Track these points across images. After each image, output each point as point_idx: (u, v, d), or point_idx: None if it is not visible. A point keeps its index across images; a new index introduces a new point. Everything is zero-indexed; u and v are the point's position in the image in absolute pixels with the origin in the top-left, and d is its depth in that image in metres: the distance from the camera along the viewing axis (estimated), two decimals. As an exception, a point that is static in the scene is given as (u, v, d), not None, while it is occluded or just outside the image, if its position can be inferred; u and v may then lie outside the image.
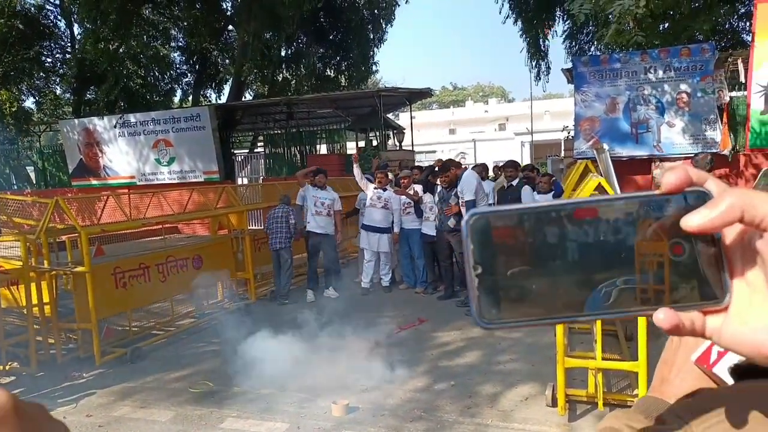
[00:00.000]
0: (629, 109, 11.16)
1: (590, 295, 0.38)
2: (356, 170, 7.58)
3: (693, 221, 0.36)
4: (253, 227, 9.47)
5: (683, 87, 10.80)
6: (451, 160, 6.94)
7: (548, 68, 16.94)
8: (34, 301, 5.59)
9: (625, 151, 11.14)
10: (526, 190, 6.30)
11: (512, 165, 6.70)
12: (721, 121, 10.61)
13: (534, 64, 16.81)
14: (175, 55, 20.63)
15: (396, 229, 7.42)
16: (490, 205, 6.94)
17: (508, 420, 3.83)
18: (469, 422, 3.84)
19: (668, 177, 0.37)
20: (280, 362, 5.23)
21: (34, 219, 7.59)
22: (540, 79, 16.85)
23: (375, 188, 7.45)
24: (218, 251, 7.13)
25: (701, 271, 0.37)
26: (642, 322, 3.58)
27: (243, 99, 18.21)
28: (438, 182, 6.91)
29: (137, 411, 4.33)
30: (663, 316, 0.37)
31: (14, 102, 17.59)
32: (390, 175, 7.97)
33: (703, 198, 0.37)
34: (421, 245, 7.32)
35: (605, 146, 7.42)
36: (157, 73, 19.58)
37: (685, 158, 9.75)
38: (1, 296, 5.82)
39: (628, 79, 11.14)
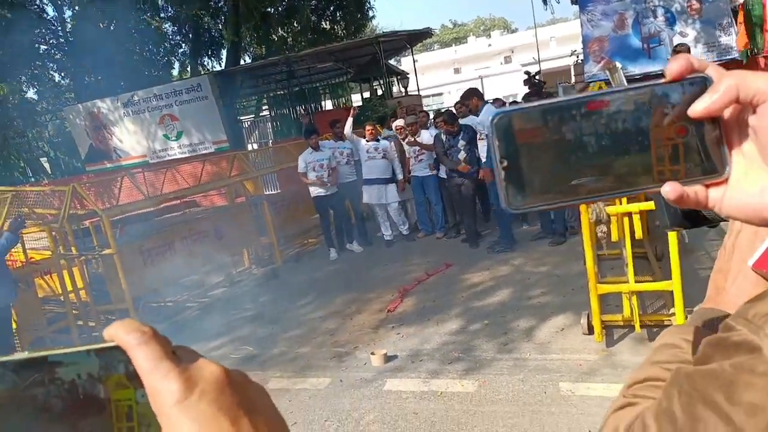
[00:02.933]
0: (638, 23, 10.68)
1: (609, 179, 0.42)
2: (348, 123, 7.43)
3: (698, 107, 0.40)
4: (269, 192, 9.48)
5: (693, -8, 10.28)
6: (473, 88, 6.71)
7: (555, -11, 16.19)
8: (69, 287, 5.72)
9: (638, 68, 10.74)
10: None
11: (536, 95, 6.53)
12: (736, 23, 10.13)
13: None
14: (167, 26, 20.20)
15: (399, 177, 7.34)
16: None
17: (546, 351, 3.87)
18: (507, 358, 3.88)
19: (672, 65, 0.41)
20: (314, 320, 5.33)
21: (55, 208, 7.68)
22: (547, 3, 16.17)
23: (367, 140, 7.30)
24: (238, 219, 7.17)
25: (703, 149, 0.41)
26: (673, 240, 3.53)
27: (241, 63, 17.89)
28: (441, 128, 6.78)
29: (184, 381, 4.46)
30: (669, 188, 0.41)
31: (16, 94, 17.54)
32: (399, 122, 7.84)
33: (704, 82, 0.41)
34: (437, 191, 7.24)
35: (618, 64, 7.15)
36: (151, 47, 19.25)
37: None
38: (38, 286, 5.96)
39: (634, -9, 10.62)
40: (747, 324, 0.45)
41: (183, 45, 20.51)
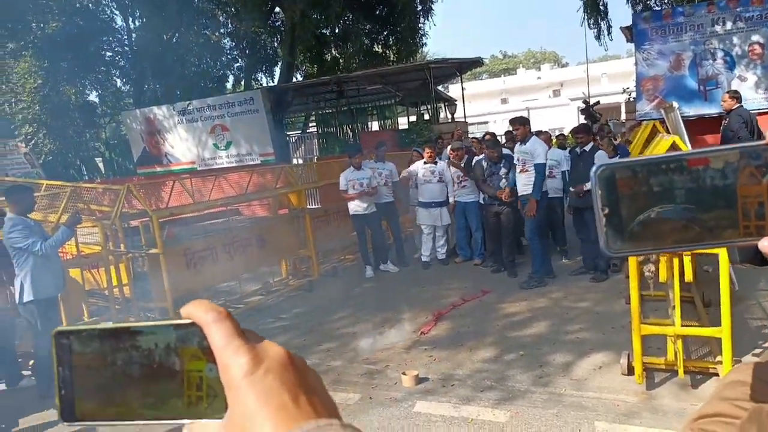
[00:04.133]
0: (696, 65, 10.50)
1: (699, 230, 0.46)
2: (412, 167, 7.58)
3: None
4: (311, 206, 9.61)
5: (755, 38, 10.05)
6: (522, 117, 6.66)
7: (609, 27, 16.11)
8: (114, 282, 5.91)
9: (693, 110, 10.52)
10: (600, 154, 6.00)
11: (583, 130, 6.34)
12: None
13: (592, 22, 16.05)
14: (226, 41, 20.99)
15: (451, 200, 7.36)
16: (563, 172, 6.72)
17: (583, 389, 3.77)
18: (542, 391, 3.80)
19: None
20: (346, 335, 5.34)
21: (106, 206, 8.00)
22: (601, 39, 16.09)
23: (425, 163, 7.38)
24: (280, 230, 7.29)
25: None
26: (725, 286, 3.41)
27: (293, 80, 18.37)
28: (484, 154, 6.78)
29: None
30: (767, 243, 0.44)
31: (79, 97, 18.44)
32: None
33: None
34: (478, 217, 7.23)
35: (675, 104, 7.03)
36: (209, 60, 20.00)
37: (760, 113, 9.13)
38: (85, 279, 6.19)
39: (693, 33, 10.46)
40: None
41: (239, 60, 21.26)
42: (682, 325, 3.52)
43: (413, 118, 14.97)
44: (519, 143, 6.27)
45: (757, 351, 4.00)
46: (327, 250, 8.65)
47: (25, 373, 5.02)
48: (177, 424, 0.42)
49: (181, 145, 15.72)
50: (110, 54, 19.46)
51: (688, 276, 3.61)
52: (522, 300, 5.77)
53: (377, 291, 6.76)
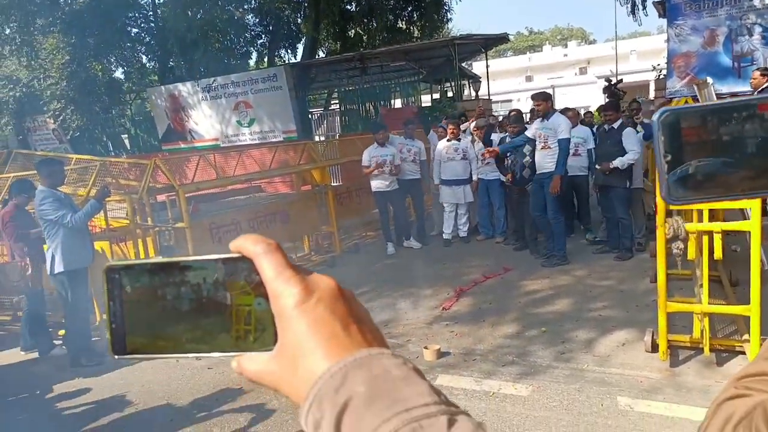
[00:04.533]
0: (730, 40, 10.13)
1: (765, 178, 0.45)
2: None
3: None
4: (333, 183, 9.63)
5: (796, 12, 9.66)
6: (544, 92, 6.52)
7: (644, 1, 15.51)
8: (142, 255, 6.04)
9: (726, 87, 10.18)
10: (628, 131, 5.85)
11: (612, 107, 6.19)
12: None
13: (624, -2, 15.53)
14: (249, 17, 20.91)
15: (474, 177, 7.30)
16: (589, 150, 6.57)
17: (606, 365, 3.75)
18: (564, 367, 3.80)
19: None
20: (369, 310, 5.38)
21: (133, 180, 8.13)
22: (635, 14, 15.56)
23: (448, 140, 7.32)
24: (303, 206, 7.34)
25: None
26: (755, 263, 3.34)
27: (316, 57, 18.28)
28: (507, 130, 6.70)
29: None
30: None
31: (106, 73, 18.64)
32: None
33: None
34: (501, 195, 7.17)
35: (709, 80, 6.82)
36: (233, 36, 19.98)
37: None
38: (114, 252, 6.33)
39: (729, 7, 10.07)
40: None
41: (262, 36, 21.17)
42: (709, 303, 3.46)
43: (437, 96, 14.81)
44: (541, 119, 6.12)
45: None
46: (349, 227, 8.69)
47: (56, 342, 5.19)
48: (225, 356, 0.43)
49: (205, 121, 15.84)
50: (136, 30, 19.57)
51: (718, 254, 3.55)
52: (544, 278, 5.74)
53: (398, 267, 6.79)
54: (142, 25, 19.45)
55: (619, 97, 8.84)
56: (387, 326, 4.91)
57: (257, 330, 0.42)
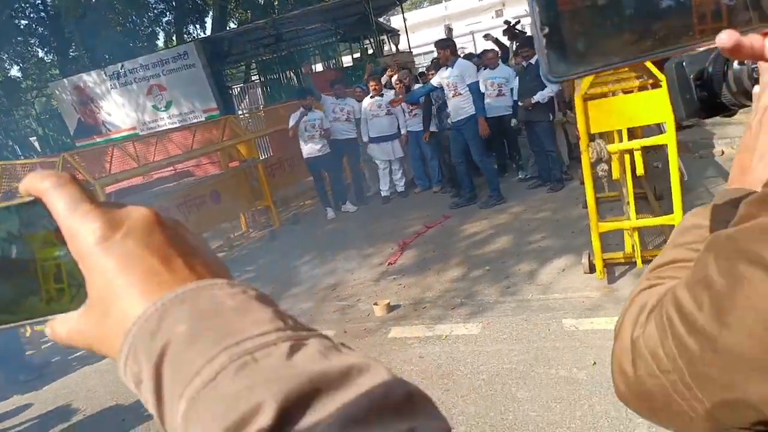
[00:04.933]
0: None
1: (651, 39, 0.40)
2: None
3: None
4: (263, 156, 9.35)
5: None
6: (443, 39, 6.49)
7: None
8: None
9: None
10: None
11: (528, 44, 6.22)
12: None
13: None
14: (149, -5, 19.66)
15: (403, 131, 7.24)
16: (512, 89, 6.60)
17: (549, 292, 3.87)
18: (510, 300, 3.89)
19: None
20: (315, 276, 5.33)
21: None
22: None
23: (371, 96, 7.19)
24: (233, 184, 7.09)
25: None
26: (674, 175, 3.48)
27: (227, 29, 17.48)
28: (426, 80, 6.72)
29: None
30: (725, 36, 0.38)
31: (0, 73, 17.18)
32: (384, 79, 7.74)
33: None
34: (432, 145, 7.14)
35: None
36: (134, 17, 18.78)
37: None
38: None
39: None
40: None
41: (167, 14, 20.01)
42: (636, 218, 3.60)
43: (357, 55, 14.54)
44: (444, 67, 6.11)
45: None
46: (285, 198, 8.52)
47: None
48: (38, 322, 0.36)
49: (119, 111, 14.94)
50: (25, 22, 18.05)
51: (640, 170, 3.67)
52: (483, 219, 5.83)
53: (340, 231, 6.72)
54: (32, 15, 17.94)
55: (518, 36, 8.95)
56: (335, 290, 4.87)
57: (72, 287, 0.35)
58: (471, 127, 5.99)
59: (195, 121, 13.83)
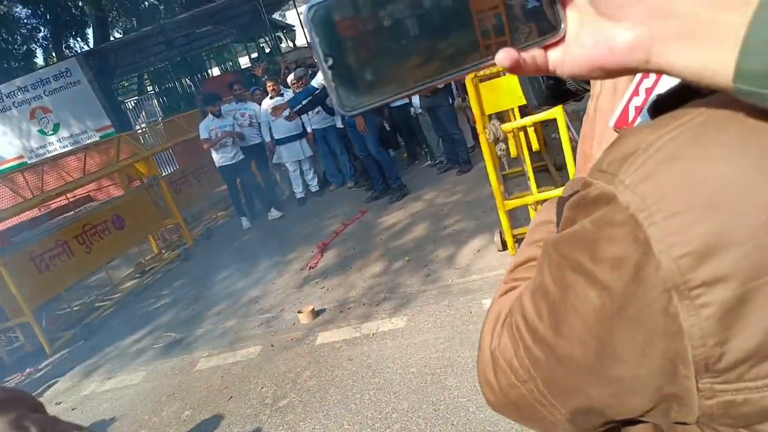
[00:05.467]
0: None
1: (439, 61, 0.39)
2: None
3: None
4: (168, 171, 8.93)
5: None
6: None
7: None
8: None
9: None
10: None
11: None
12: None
13: None
14: (18, 10, 18.10)
15: (309, 129, 7.12)
16: None
17: (467, 274, 3.95)
18: (431, 288, 3.94)
19: None
20: (236, 292, 5.15)
21: None
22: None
23: (271, 97, 7.02)
24: (137, 205, 6.69)
25: (534, 12, 0.39)
26: (567, 148, 3.64)
27: (111, 39, 16.44)
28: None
29: (106, 383, 4.20)
30: (503, 55, 0.38)
31: None
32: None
33: None
34: (341, 141, 7.06)
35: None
36: (5, 35, 17.24)
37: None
38: None
39: None
40: (602, 175, 0.41)
41: (42, 29, 18.53)
42: (538, 192, 3.73)
43: (255, 55, 14.15)
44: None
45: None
46: (196, 213, 8.19)
47: None
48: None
49: (1, 140, 13.72)
50: None
51: (535, 145, 3.81)
52: (399, 209, 5.87)
53: (257, 240, 6.54)
54: None
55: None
56: (257, 303, 4.73)
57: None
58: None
59: (89, 141, 12.97)
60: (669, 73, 0.35)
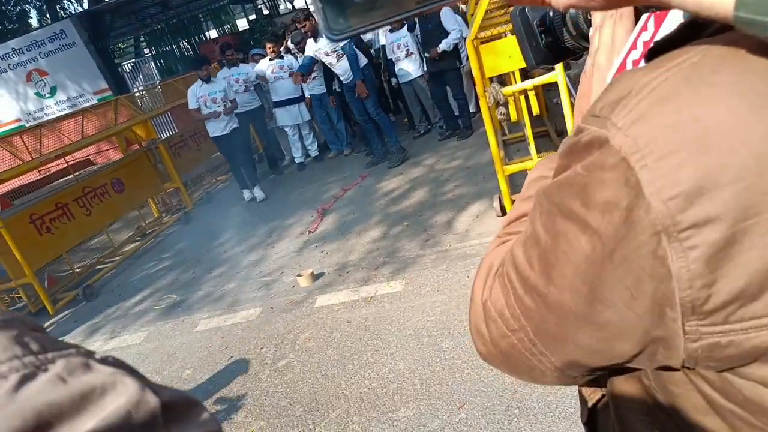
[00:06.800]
0: None
1: None
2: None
3: None
4: (167, 135, 8.85)
5: None
6: (303, 10, 6.41)
7: None
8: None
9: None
10: (446, 12, 5.80)
11: None
12: None
13: None
14: (10, -31, 17.68)
15: (307, 93, 7.00)
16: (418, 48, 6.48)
17: (466, 239, 3.97)
18: (430, 252, 3.96)
19: None
20: (236, 255, 5.19)
21: None
22: None
23: (270, 59, 6.89)
24: (136, 169, 6.67)
25: None
26: (570, 114, 3.61)
27: (106, 0, 16.09)
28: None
29: (109, 342, 4.27)
30: None
31: None
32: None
33: None
34: (336, 107, 6.94)
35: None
36: (-3, -3, 16.89)
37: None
38: None
39: None
40: (595, 120, 0.40)
41: (35, -11, 18.16)
42: (538, 157, 3.72)
43: (253, 17, 13.88)
44: (314, 39, 6.04)
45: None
46: (196, 177, 8.17)
47: None
48: None
49: (-3, 102, 13.58)
50: None
51: (536, 110, 3.77)
52: (398, 175, 5.85)
53: (257, 204, 6.55)
54: None
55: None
56: (257, 266, 4.77)
57: None
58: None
59: (86, 104, 12.83)
60: (669, 4, 0.34)
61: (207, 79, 6.32)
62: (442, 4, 0.38)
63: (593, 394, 0.63)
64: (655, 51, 0.48)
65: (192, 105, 6.40)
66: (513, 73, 4.07)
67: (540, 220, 0.45)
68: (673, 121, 0.36)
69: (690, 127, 0.35)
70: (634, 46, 0.57)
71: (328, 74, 6.43)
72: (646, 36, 0.55)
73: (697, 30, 0.40)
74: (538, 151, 3.81)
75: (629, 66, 0.57)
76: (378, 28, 0.39)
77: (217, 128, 6.40)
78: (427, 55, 6.04)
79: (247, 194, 6.75)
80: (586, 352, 0.45)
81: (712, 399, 0.41)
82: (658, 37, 0.52)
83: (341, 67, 5.94)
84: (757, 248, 0.33)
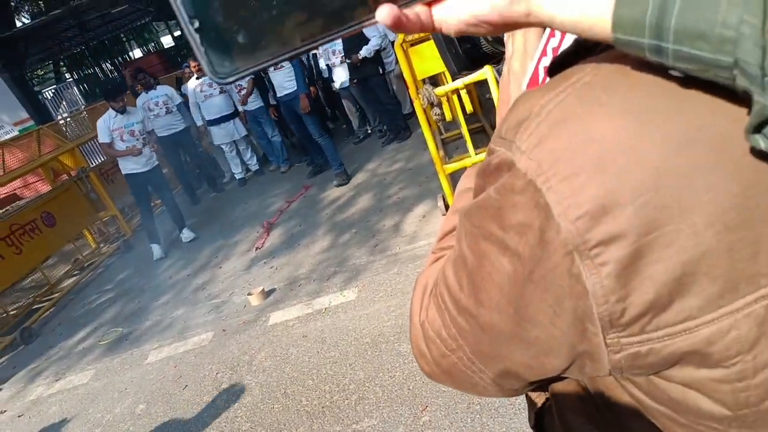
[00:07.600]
0: None
1: (320, 20, 0.37)
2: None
3: None
4: (98, 162, 8.48)
5: None
6: None
7: None
8: None
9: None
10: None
11: None
12: None
13: None
14: None
15: (241, 108, 6.86)
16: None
17: (415, 241, 4.00)
18: (380, 258, 3.97)
19: None
20: (181, 280, 5.03)
21: None
22: None
23: (197, 77, 6.71)
24: (67, 200, 6.35)
25: None
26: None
27: (17, 26, 15.28)
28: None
29: (53, 385, 4.05)
30: (384, 12, 0.36)
31: None
32: None
33: None
34: (271, 121, 6.84)
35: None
36: None
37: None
38: None
39: None
40: (503, 142, 0.41)
41: (-63, 18, 16.98)
42: (476, 154, 3.79)
43: (178, 33, 13.52)
44: None
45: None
46: (133, 202, 7.85)
47: None
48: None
49: None
50: None
51: (470, 108, 3.85)
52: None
53: (202, 223, 6.38)
54: None
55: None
56: (205, 289, 4.64)
57: None
58: (299, 103, 5.68)
59: (7, 137, 12.13)
60: (551, 26, 0.35)
61: (122, 110, 5.50)
62: (326, 40, 0.38)
63: (539, 398, 0.65)
64: (555, 66, 0.49)
65: (103, 138, 5.48)
66: (444, 73, 4.14)
67: (465, 242, 0.46)
68: (571, 143, 0.37)
69: (587, 148, 0.36)
70: (544, 53, 0.58)
71: (263, 86, 6.34)
72: (554, 42, 0.57)
73: (592, 45, 0.42)
74: (476, 147, 3.88)
75: (541, 72, 0.58)
76: (267, 67, 0.38)
77: (136, 165, 5.52)
78: (348, 61, 6.02)
79: (156, 251, 5.72)
80: (521, 368, 0.46)
81: (641, 401, 0.43)
82: (565, 43, 0.53)
83: (277, 80, 5.76)
84: (662, 260, 0.35)
